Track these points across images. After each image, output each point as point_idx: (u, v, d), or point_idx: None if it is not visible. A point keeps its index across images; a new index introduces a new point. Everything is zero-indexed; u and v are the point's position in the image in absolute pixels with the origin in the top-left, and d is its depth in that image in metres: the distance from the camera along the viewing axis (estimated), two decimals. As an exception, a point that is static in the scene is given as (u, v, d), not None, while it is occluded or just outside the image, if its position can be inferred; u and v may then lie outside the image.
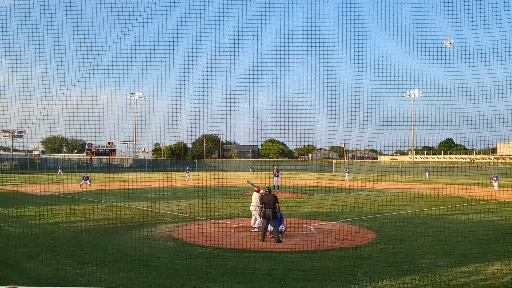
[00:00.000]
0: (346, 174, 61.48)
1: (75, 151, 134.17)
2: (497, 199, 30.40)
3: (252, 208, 16.96)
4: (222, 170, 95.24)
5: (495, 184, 39.98)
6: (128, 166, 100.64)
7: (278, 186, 38.62)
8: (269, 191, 15.44)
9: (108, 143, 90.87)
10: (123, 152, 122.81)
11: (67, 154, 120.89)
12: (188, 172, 60.63)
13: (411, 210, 23.99)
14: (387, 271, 11.11)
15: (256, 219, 16.68)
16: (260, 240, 14.86)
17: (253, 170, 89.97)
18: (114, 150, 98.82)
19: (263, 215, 14.85)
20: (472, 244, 14.63)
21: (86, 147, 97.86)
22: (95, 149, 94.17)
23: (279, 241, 14.52)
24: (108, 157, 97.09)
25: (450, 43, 28.26)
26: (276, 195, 15.62)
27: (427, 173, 77.23)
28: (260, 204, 15.37)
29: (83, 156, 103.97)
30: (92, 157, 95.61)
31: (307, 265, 11.69)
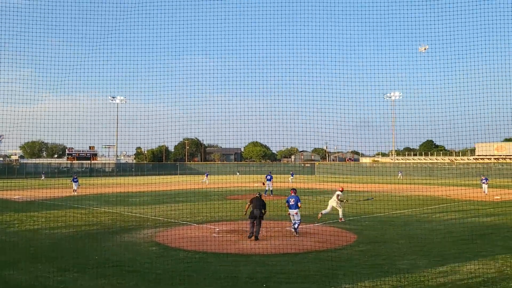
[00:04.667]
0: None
1: (56, 155, 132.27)
2: (476, 200, 31.03)
3: (334, 203, 20.39)
4: (203, 174, 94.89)
5: (485, 186, 37.36)
6: (110, 170, 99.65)
7: (271, 190, 37.00)
8: (260, 196, 16.80)
9: (90, 147, 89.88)
10: (105, 156, 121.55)
11: (47, 159, 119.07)
12: (207, 175, 60.99)
13: (392, 211, 24.34)
14: (368, 273, 11.29)
15: (320, 214, 19.61)
16: (249, 237, 15.81)
17: (240, 174, 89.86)
18: (95, 155, 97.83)
19: (251, 215, 15.92)
20: (450, 244, 14.95)
21: (67, 151, 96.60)
22: (76, 153, 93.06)
23: (257, 239, 15.64)
24: (89, 161, 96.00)
25: (425, 49, 28.80)
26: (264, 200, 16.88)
27: (400, 174, 78.25)
28: (247, 204, 16.58)
29: (63, 161, 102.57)
30: (73, 161, 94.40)
31: (289, 267, 11.81)
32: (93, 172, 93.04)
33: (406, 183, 56.82)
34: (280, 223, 19.58)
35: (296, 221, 16.79)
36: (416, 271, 11.41)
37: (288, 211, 17.01)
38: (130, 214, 23.58)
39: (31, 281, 10.65)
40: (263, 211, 15.97)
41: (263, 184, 38.28)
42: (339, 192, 20.87)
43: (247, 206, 16.54)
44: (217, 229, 18.33)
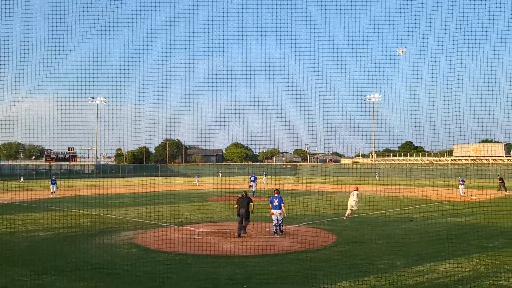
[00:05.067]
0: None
1: (33, 157, 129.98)
2: (453, 200, 31.62)
3: (352, 202, 21.54)
4: (185, 175, 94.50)
5: (461, 187, 36.83)
6: (90, 172, 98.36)
7: (253, 191, 37.27)
8: (246, 194, 17.79)
9: (69, 148, 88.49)
10: (84, 158, 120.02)
11: (25, 161, 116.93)
12: (198, 177, 60.78)
13: (371, 212, 24.65)
14: (347, 273, 11.43)
15: (351, 210, 21.59)
16: (237, 235, 16.62)
17: (222, 175, 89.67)
18: (74, 156, 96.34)
19: (238, 213, 16.99)
20: (427, 244, 15.23)
21: (45, 153, 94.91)
22: (55, 155, 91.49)
23: (244, 234, 16.75)
24: (68, 163, 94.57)
25: (402, 51, 29.25)
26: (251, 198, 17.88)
27: (377, 175, 79.22)
28: (235, 205, 17.55)
29: (41, 162, 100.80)
30: (52, 163, 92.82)
31: (269, 268, 11.87)
32: (72, 173, 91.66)
33: (385, 184, 57.55)
34: (260, 224, 19.64)
35: (279, 221, 17.05)
36: (394, 270, 11.59)
37: (271, 211, 17.17)
38: (110, 216, 23.35)
39: (8, 284, 10.48)
40: (250, 209, 17.04)
41: (250, 187, 38.49)
42: (358, 193, 22.14)
43: (235, 206, 17.51)
44: (198, 231, 18.30)
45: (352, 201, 21.72)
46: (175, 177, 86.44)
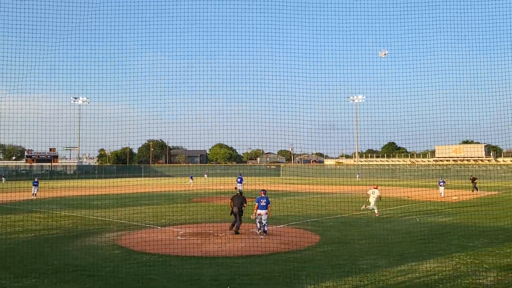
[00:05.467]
0: None
1: (13, 157, 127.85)
2: (434, 200, 32.06)
3: (372, 200, 23.23)
4: (169, 176, 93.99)
5: (441, 188, 36.43)
6: (72, 172, 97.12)
7: (241, 191, 38.24)
8: (241, 193, 18.69)
9: (50, 149, 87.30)
10: (66, 158, 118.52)
11: (5, 161, 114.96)
12: (191, 178, 60.22)
13: (354, 212, 24.84)
14: (330, 273, 11.50)
15: (372, 207, 23.34)
16: (234, 233, 17.27)
17: (208, 176, 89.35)
18: (56, 157, 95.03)
19: (231, 212, 17.65)
20: (409, 244, 15.42)
21: (26, 153, 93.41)
22: (36, 155, 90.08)
23: (236, 234, 17.17)
24: (49, 163, 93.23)
25: (385, 54, 29.55)
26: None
27: (358, 176, 79.91)
28: (230, 200, 18.18)
29: (22, 163, 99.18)
30: (33, 164, 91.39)
31: (253, 269, 11.88)
32: (53, 174, 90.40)
33: (368, 184, 57.99)
34: (244, 225, 19.64)
35: (264, 222, 17.14)
36: (376, 270, 11.71)
37: (257, 211, 17.22)
38: (92, 217, 23.10)
39: (-13, 288, 10.30)
40: (243, 206, 17.76)
41: (236, 188, 38.66)
42: (377, 191, 23.72)
43: (230, 204, 17.99)
44: (181, 232, 18.22)
45: (372, 198, 23.35)
46: (165, 178, 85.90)
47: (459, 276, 11.03)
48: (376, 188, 23.84)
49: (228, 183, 50.34)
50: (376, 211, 23.50)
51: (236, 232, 17.22)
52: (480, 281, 10.60)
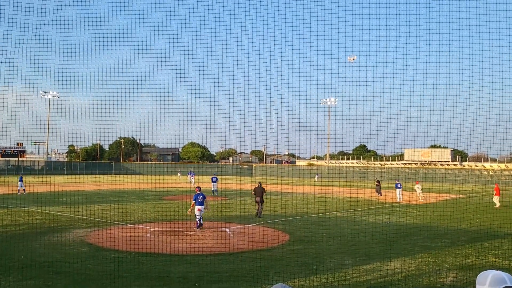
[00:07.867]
0: None
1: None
2: (402, 202, 32.84)
3: (419, 192, 34.79)
4: (141, 174, 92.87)
5: (399, 190, 34.46)
6: (40, 168, 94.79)
7: (216, 190, 39.12)
8: (260, 184, 22.94)
9: (17, 144, 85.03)
10: (34, 154, 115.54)
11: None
12: (192, 175, 59.31)
13: (324, 212, 25.22)
14: (298, 271, 11.72)
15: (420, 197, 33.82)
16: (258, 216, 21.93)
17: (182, 174, 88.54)
18: (23, 152, 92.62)
19: (255, 200, 22.48)
20: (376, 243, 15.81)
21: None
22: (2, 150, 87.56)
23: (260, 217, 21.82)
24: (16, 158, 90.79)
25: (353, 59, 30.08)
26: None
27: (316, 177, 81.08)
28: (253, 191, 23.07)
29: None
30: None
31: (222, 267, 11.99)
32: (20, 170, 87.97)
33: (327, 185, 58.79)
34: (215, 223, 19.73)
35: (198, 216, 18.07)
36: (343, 269, 11.99)
37: (196, 207, 18.16)
38: (60, 214, 22.73)
39: (-52, 283, 10.07)
40: (264, 196, 22.43)
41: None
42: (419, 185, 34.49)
43: (253, 193, 23.12)
44: (151, 230, 18.15)
45: (418, 190, 34.43)
46: (137, 175, 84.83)
47: (421, 275, 11.42)
48: (417, 183, 35.81)
49: (202, 182, 50.20)
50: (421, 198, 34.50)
51: (259, 216, 21.68)
52: (441, 280, 11.00)
